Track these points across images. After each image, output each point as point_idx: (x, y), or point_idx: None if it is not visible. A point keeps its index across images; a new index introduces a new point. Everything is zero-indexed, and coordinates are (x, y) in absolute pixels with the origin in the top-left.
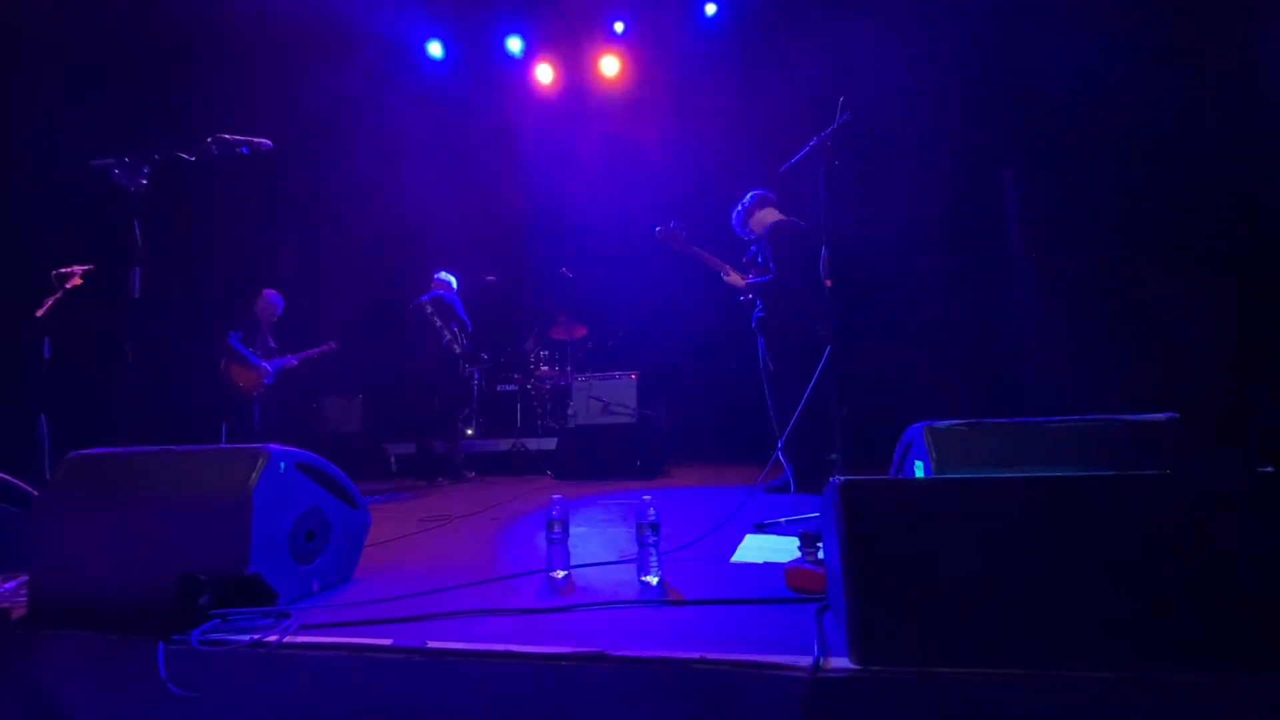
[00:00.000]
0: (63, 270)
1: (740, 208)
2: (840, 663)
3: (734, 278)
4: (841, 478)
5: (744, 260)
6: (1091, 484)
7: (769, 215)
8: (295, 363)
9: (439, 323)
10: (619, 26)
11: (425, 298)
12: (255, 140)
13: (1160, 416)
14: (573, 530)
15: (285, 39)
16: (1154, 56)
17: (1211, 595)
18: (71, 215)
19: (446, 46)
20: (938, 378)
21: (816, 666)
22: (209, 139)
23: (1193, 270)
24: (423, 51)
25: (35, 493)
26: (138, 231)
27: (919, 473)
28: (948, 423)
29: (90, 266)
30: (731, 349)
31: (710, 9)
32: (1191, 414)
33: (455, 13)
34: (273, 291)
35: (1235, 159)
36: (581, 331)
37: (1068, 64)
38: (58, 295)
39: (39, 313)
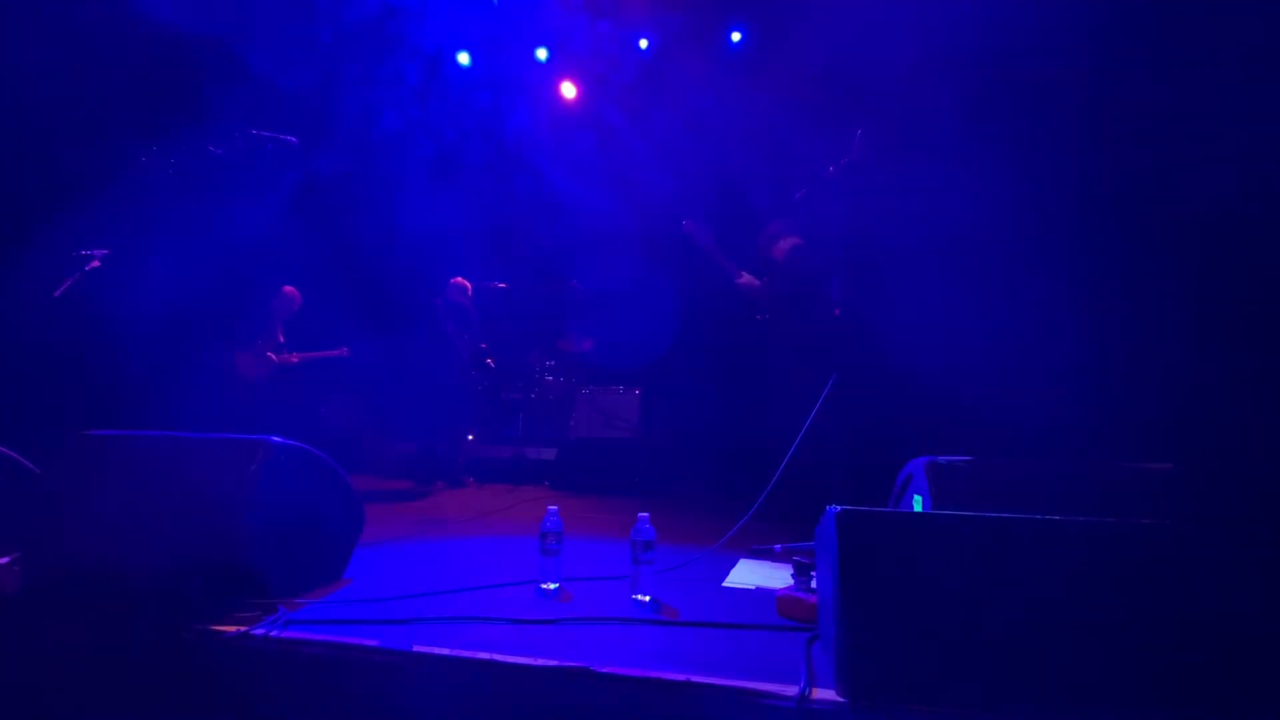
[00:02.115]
0: (83, 252)
1: (763, 239)
2: (827, 694)
3: (747, 279)
4: (838, 507)
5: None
6: (1089, 529)
7: (788, 243)
8: (296, 360)
9: (451, 327)
10: (644, 43)
11: (439, 302)
12: (281, 137)
13: (1161, 465)
14: (567, 543)
15: (316, 40)
16: (1176, 83)
17: (1206, 646)
18: (95, 199)
19: (472, 55)
20: (944, 411)
21: (803, 696)
22: (236, 133)
23: (1212, 313)
24: (448, 59)
25: (38, 470)
26: (162, 219)
27: (918, 507)
28: (949, 458)
29: (109, 251)
30: (737, 371)
31: (735, 36)
32: (1199, 460)
33: (483, 23)
34: (292, 289)
35: (1257, 192)
36: (588, 344)
37: (1087, 96)
38: (76, 276)
39: (56, 293)
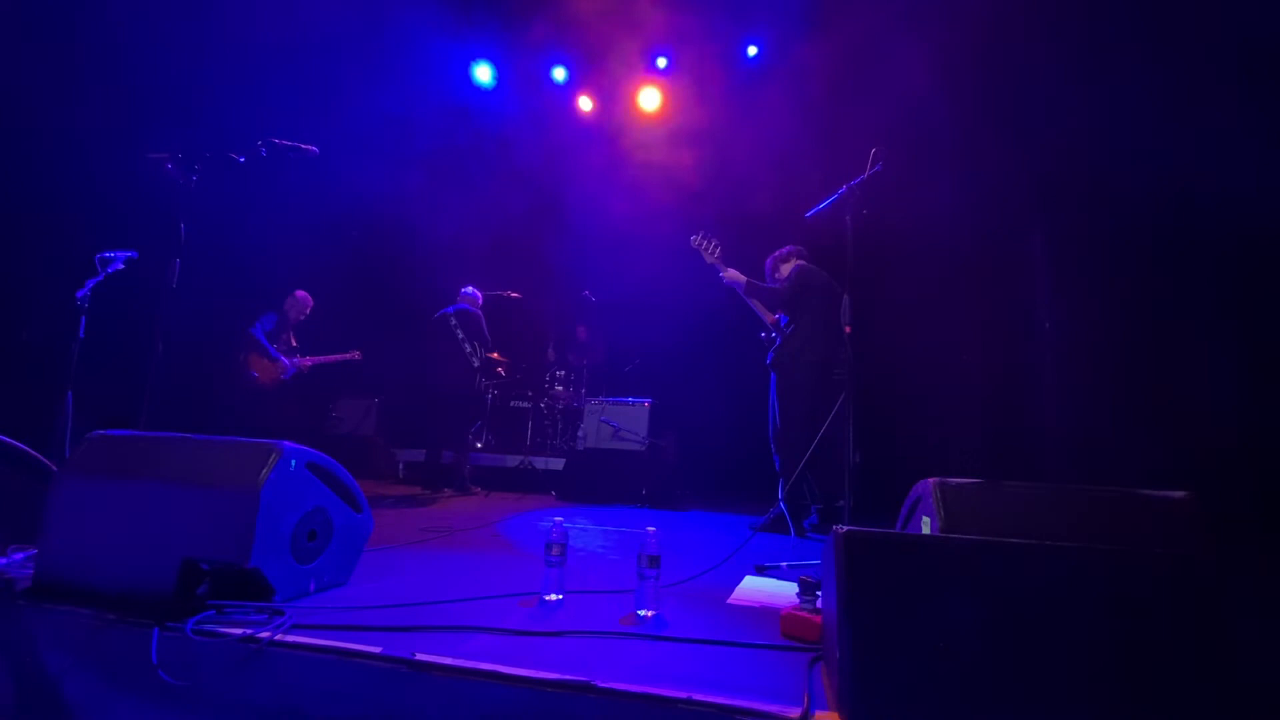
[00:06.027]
0: (106, 254)
1: (772, 257)
2: (828, 716)
3: (731, 273)
4: (844, 527)
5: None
6: (1099, 557)
7: (794, 263)
8: (310, 364)
9: (461, 335)
10: (662, 61)
11: (451, 310)
12: (303, 146)
13: (1176, 494)
14: (571, 555)
15: (334, 51)
16: (1190, 120)
17: (1215, 678)
18: (121, 202)
19: (493, 70)
20: (954, 432)
21: (804, 718)
22: (259, 142)
23: (1222, 342)
24: (464, 73)
25: (54, 468)
26: (183, 224)
27: (926, 529)
28: (959, 480)
29: (133, 254)
30: (747, 385)
31: (752, 50)
32: (1210, 490)
33: (502, 41)
34: (304, 292)
35: (1269, 222)
36: (598, 355)
37: (1103, 124)
38: (99, 278)
39: (79, 293)
